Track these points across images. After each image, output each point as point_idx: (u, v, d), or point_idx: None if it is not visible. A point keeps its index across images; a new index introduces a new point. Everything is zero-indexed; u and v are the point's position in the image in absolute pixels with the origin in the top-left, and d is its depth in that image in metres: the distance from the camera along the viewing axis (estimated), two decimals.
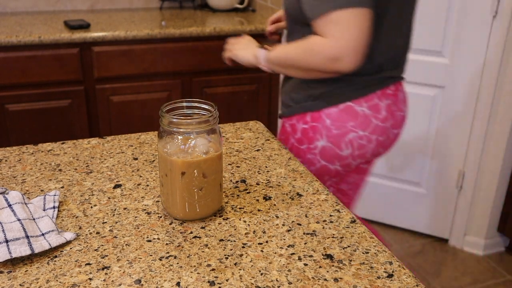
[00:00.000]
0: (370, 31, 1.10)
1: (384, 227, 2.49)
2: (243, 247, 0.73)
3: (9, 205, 0.76)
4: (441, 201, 2.32)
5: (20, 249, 0.69)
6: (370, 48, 1.17)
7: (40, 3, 2.61)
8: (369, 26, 1.09)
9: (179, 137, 0.76)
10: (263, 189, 0.90)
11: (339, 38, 1.07)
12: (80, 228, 0.77)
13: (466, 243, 2.32)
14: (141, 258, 0.70)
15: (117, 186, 0.90)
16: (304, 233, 0.77)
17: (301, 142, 1.25)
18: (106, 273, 0.67)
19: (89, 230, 0.77)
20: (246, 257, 0.71)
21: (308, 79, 1.22)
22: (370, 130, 1.22)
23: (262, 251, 0.72)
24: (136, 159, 1.01)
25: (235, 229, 0.78)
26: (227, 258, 0.71)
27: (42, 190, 0.88)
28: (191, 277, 0.67)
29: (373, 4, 1.08)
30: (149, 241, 0.74)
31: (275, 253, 0.72)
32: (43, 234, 0.73)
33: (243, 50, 1.32)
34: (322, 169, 1.26)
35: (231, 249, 0.72)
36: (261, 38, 1.28)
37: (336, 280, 0.67)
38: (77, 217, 0.80)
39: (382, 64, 1.22)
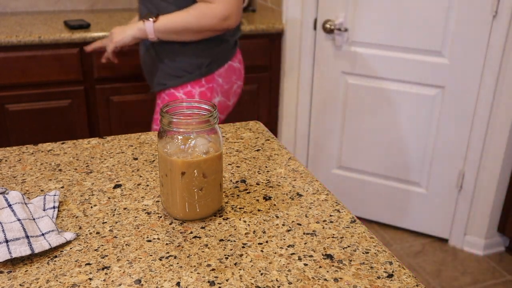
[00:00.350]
0: None
1: (384, 227, 2.49)
2: (243, 247, 0.73)
3: (9, 205, 0.76)
4: (441, 201, 2.32)
5: (20, 249, 0.69)
6: None
7: (40, 3, 2.61)
8: None
9: (179, 137, 0.76)
10: (263, 189, 0.90)
11: (228, 1, 1.39)
12: (80, 228, 0.77)
13: (466, 243, 2.32)
14: (141, 258, 0.70)
15: (117, 186, 0.90)
16: (304, 233, 0.77)
17: None
18: (106, 273, 0.67)
19: (89, 230, 0.77)
20: (246, 257, 0.71)
21: (192, 49, 1.48)
22: (242, 79, 1.62)
23: (262, 251, 0.72)
24: (136, 159, 1.01)
25: (235, 229, 0.78)
26: (227, 258, 0.71)
27: (42, 190, 0.88)
28: (191, 277, 0.67)
29: None
30: (149, 241, 0.74)
31: (275, 253, 0.72)
32: (43, 234, 0.73)
33: (122, 33, 1.53)
34: None
35: (231, 249, 0.72)
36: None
37: (336, 280, 0.67)
38: (77, 217, 0.80)
39: (238, 27, 1.56)
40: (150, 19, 1.44)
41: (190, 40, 1.47)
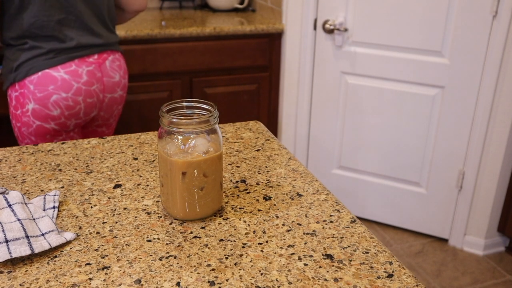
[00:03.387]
0: None
1: (384, 227, 2.49)
2: (243, 247, 0.73)
3: (9, 205, 0.76)
4: (441, 201, 2.32)
5: (20, 249, 0.69)
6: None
7: None
8: None
9: (179, 137, 0.76)
10: (263, 189, 0.90)
11: None
12: (80, 228, 0.77)
13: (466, 243, 2.32)
14: (141, 258, 0.70)
15: (117, 186, 0.90)
16: (304, 233, 0.77)
17: (16, 108, 1.48)
18: (106, 273, 0.67)
19: (89, 230, 0.77)
20: (246, 257, 0.71)
21: (8, 52, 1.46)
22: (69, 91, 1.46)
23: (262, 251, 0.72)
24: (136, 159, 1.01)
25: (235, 229, 0.78)
26: (227, 258, 0.71)
27: (42, 190, 0.88)
28: (191, 277, 0.67)
29: None
30: (149, 241, 0.74)
31: (275, 253, 0.72)
32: (43, 234, 0.73)
33: None
34: (39, 128, 1.49)
35: (231, 249, 0.73)
36: None
37: (336, 280, 0.67)
38: (77, 217, 0.80)
39: (55, 35, 1.44)
40: None
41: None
